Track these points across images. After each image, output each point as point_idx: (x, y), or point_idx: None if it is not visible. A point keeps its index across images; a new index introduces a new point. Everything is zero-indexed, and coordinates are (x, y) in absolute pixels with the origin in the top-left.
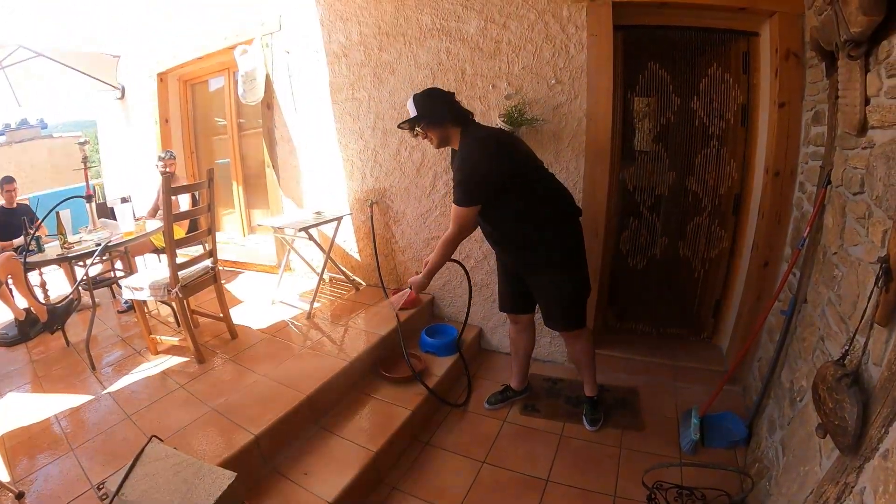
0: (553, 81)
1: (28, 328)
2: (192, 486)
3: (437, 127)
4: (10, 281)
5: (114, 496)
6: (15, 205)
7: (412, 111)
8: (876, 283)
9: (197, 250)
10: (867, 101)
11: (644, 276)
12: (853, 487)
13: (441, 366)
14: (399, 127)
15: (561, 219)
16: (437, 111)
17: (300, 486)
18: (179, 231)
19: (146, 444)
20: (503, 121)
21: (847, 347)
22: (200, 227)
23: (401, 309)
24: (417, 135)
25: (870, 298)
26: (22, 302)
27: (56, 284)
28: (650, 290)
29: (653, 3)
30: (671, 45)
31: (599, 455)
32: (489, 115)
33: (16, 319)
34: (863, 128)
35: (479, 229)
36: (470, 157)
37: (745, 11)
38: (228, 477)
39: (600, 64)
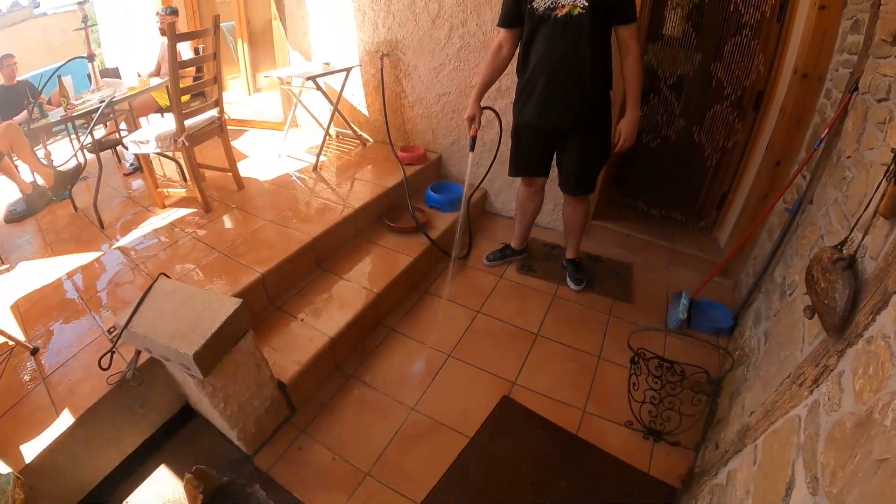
0: None
1: (36, 201)
2: (200, 313)
3: None
4: (13, 155)
5: (122, 330)
6: (15, 81)
7: None
8: (885, 176)
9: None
10: None
11: (655, 155)
12: (832, 370)
13: (444, 221)
14: None
15: (611, 74)
16: None
17: (305, 322)
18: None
19: (154, 281)
20: None
21: (847, 236)
22: (205, 77)
23: (406, 164)
24: None
25: (876, 191)
26: (27, 176)
27: (61, 156)
28: (659, 170)
29: None
30: None
31: (589, 318)
32: None
33: (23, 194)
34: None
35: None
36: None
37: None
38: (234, 303)
39: None
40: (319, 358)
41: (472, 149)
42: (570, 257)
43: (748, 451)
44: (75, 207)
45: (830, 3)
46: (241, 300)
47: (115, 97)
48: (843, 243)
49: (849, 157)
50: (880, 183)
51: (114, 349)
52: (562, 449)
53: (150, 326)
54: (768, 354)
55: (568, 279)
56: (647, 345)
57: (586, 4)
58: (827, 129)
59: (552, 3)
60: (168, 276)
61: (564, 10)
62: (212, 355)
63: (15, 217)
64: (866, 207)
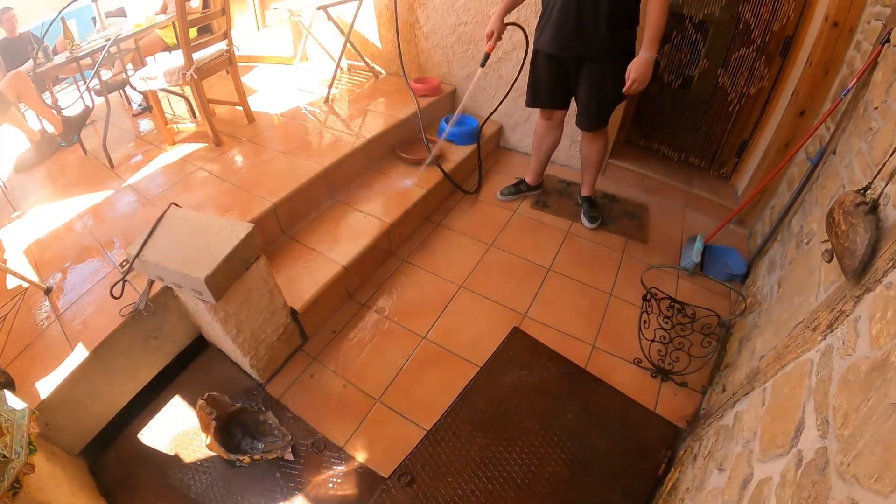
0: None
1: (45, 147)
2: (211, 239)
3: None
4: (20, 103)
5: (134, 258)
6: (17, 34)
7: None
8: None
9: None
10: None
11: (676, 96)
12: (848, 315)
13: (458, 153)
14: None
15: (637, 9)
16: None
17: (317, 251)
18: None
19: (166, 210)
20: None
21: (870, 182)
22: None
23: (420, 96)
24: None
25: None
26: (34, 124)
27: (69, 102)
28: (679, 112)
29: None
30: None
31: (602, 256)
32: None
33: (31, 141)
34: None
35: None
36: None
37: None
38: (246, 228)
39: None
40: (332, 286)
41: (483, 64)
42: (586, 194)
43: (757, 393)
44: (85, 150)
45: None
46: (253, 224)
47: (120, 35)
48: (866, 188)
49: (876, 108)
50: None
51: (125, 278)
52: (570, 381)
53: (161, 254)
54: (781, 300)
55: (582, 216)
56: (659, 285)
57: None
58: (855, 80)
59: None
60: (178, 206)
61: None
62: (224, 279)
63: (25, 165)
64: (891, 155)
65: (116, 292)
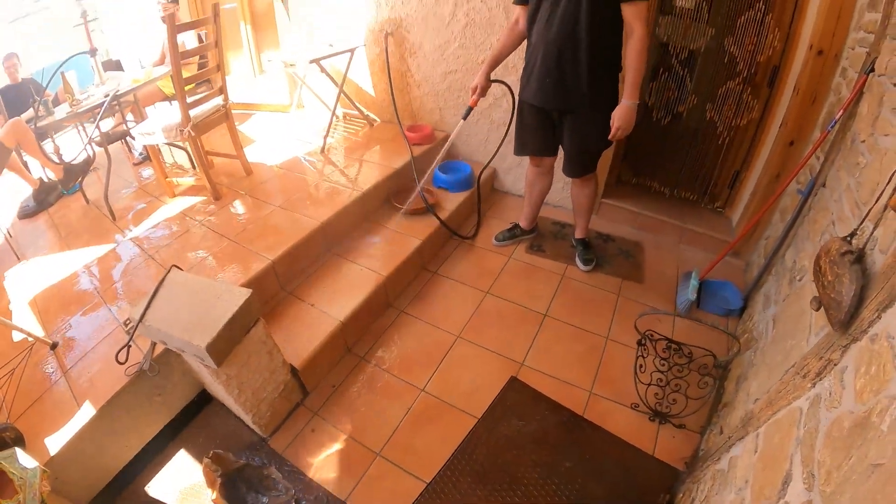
0: None
1: (45, 195)
2: (211, 305)
3: None
4: (21, 151)
5: (137, 323)
6: (19, 80)
7: None
8: None
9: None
10: None
11: (666, 132)
12: (836, 365)
13: (453, 201)
14: None
15: (619, 55)
16: None
17: (315, 307)
18: (187, 73)
19: (167, 273)
20: None
21: (856, 227)
22: (209, 66)
23: (413, 144)
24: None
25: (889, 183)
26: (36, 172)
27: (69, 150)
28: (670, 148)
29: None
30: None
31: (598, 298)
32: None
33: (33, 189)
34: None
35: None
36: None
37: None
38: (245, 294)
39: None
40: (330, 342)
41: (465, 117)
42: (580, 237)
43: (750, 438)
44: (87, 200)
45: None
46: (251, 290)
47: (119, 91)
48: (852, 234)
49: (863, 141)
50: (893, 175)
51: (130, 343)
52: (568, 429)
53: (164, 319)
54: (775, 341)
55: (577, 259)
56: (655, 325)
57: None
58: (842, 111)
59: None
60: (180, 268)
61: None
62: (225, 345)
63: (28, 213)
64: (878, 198)
65: (122, 358)
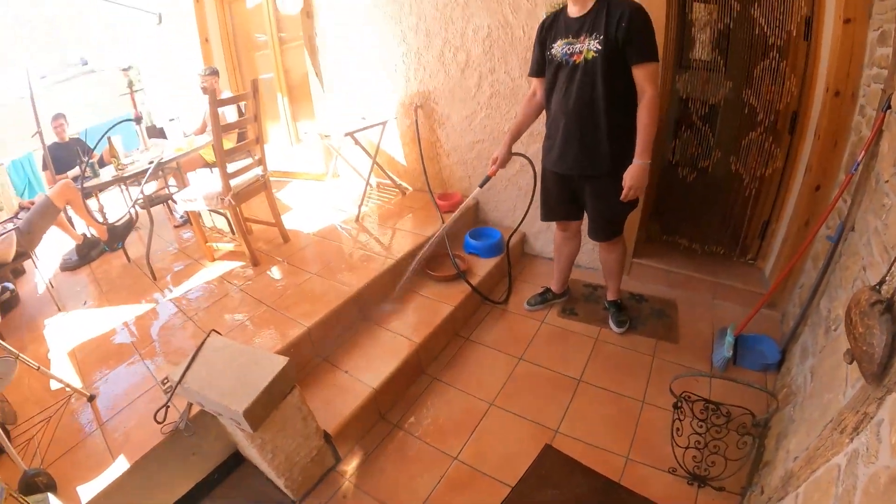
0: None
1: (88, 251)
2: (249, 371)
3: None
4: (68, 209)
5: (176, 385)
6: (66, 139)
7: None
8: None
9: (246, 162)
10: None
11: (692, 189)
12: (872, 418)
13: (483, 267)
14: None
15: (635, 118)
16: None
17: (349, 374)
18: (228, 143)
19: (206, 338)
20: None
21: (885, 274)
22: (248, 137)
23: (445, 212)
24: None
25: None
26: (80, 227)
27: (113, 207)
28: (698, 204)
29: None
30: None
31: (632, 361)
32: (535, 13)
33: (76, 245)
34: None
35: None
36: (643, 11)
37: None
38: (282, 361)
39: None
40: (363, 408)
41: (482, 185)
42: (612, 299)
43: (790, 499)
44: (128, 258)
45: (855, 15)
46: (288, 358)
47: (162, 159)
48: (881, 283)
49: (886, 181)
50: None
51: (168, 404)
52: (603, 497)
53: (202, 382)
54: (813, 395)
55: (610, 321)
56: (691, 385)
57: (599, 48)
58: (863, 152)
59: (569, 50)
60: (219, 333)
61: (580, 57)
62: (261, 411)
63: (70, 266)
64: None
65: (160, 417)
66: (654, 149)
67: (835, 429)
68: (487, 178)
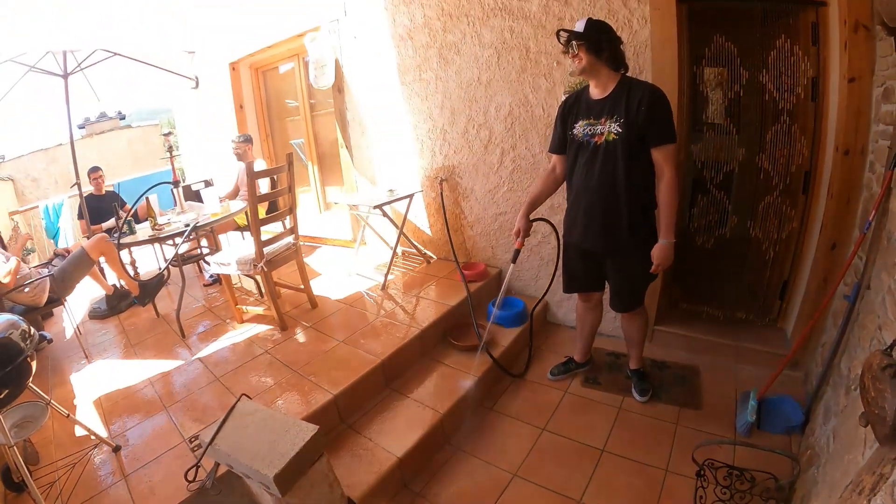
0: None
1: (117, 302)
2: (279, 437)
3: (592, 54)
4: (102, 260)
5: (207, 445)
6: (103, 192)
7: (579, 27)
8: None
9: (276, 227)
10: None
11: (711, 256)
12: (888, 479)
13: (507, 336)
14: (558, 33)
15: (654, 195)
16: (599, 40)
17: (374, 442)
18: (260, 210)
19: (237, 401)
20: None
21: None
22: (280, 206)
23: (469, 281)
24: (569, 52)
25: None
26: (111, 278)
27: (144, 261)
28: (716, 270)
29: None
30: (737, 16)
31: (655, 430)
32: (555, 91)
33: (106, 295)
34: None
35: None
36: (662, 95)
37: None
38: (311, 429)
39: (664, 38)
40: (388, 476)
41: (514, 261)
42: (634, 367)
43: None
44: (157, 313)
45: (859, 73)
46: (318, 427)
47: (198, 223)
48: (892, 346)
49: None
50: None
51: (199, 464)
52: None
53: (232, 445)
54: (835, 457)
55: (633, 390)
56: (715, 451)
57: (620, 131)
58: (874, 211)
59: (590, 131)
60: (249, 397)
61: (602, 138)
62: (290, 476)
63: (98, 315)
64: None
65: (190, 476)
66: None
67: (854, 490)
68: (517, 252)
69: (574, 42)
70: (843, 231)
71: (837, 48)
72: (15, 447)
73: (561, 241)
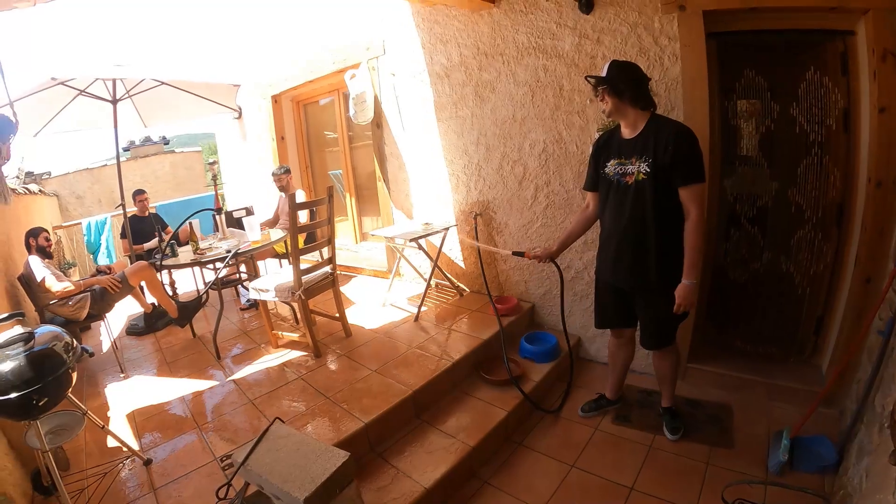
0: None
1: (155, 321)
2: (311, 461)
3: (615, 96)
4: (142, 283)
5: (240, 466)
6: (146, 213)
7: (604, 71)
8: None
9: (314, 256)
10: None
11: (744, 291)
12: None
13: (538, 372)
14: (586, 79)
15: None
16: (620, 83)
17: (402, 472)
18: (299, 240)
19: (271, 424)
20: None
21: None
22: (319, 237)
23: (501, 315)
24: (597, 95)
25: None
26: (150, 296)
27: (183, 283)
28: (750, 306)
29: (742, 10)
30: (766, 50)
31: (685, 469)
32: (588, 129)
33: (144, 313)
34: None
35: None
36: (689, 134)
37: (836, 11)
38: (343, 456)
39: (695, 74)
40: None
41: (514, 253)
42: (666, 405)
43: None
44: (194, 334)
45: (889, 102)
46: (349, 454)
47: (239, 249)
48: None
49: None
50: None
51: (230, 483)
52: None
53: (265, 466)
54: (866, 496)
55: (664, 428)
56: (746, 491)
57: (649, 171)
58: None
59: (621, 171)
60: (282, 421)
61: (632, 178)
62: (319, 500)
63: (135, 331)
64: None
65: (221, 494)
66: (705, 250)
67: None
68: (521, 254)
69: (599, 87)
70: (879, 264)
71: (867, 78)
72: (49, 453)
73: (563, 280)
